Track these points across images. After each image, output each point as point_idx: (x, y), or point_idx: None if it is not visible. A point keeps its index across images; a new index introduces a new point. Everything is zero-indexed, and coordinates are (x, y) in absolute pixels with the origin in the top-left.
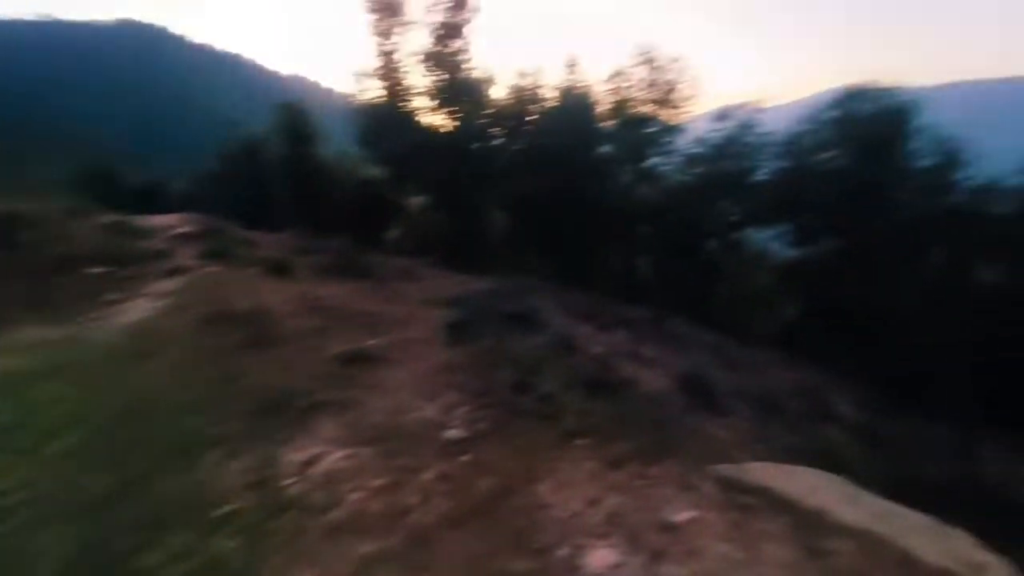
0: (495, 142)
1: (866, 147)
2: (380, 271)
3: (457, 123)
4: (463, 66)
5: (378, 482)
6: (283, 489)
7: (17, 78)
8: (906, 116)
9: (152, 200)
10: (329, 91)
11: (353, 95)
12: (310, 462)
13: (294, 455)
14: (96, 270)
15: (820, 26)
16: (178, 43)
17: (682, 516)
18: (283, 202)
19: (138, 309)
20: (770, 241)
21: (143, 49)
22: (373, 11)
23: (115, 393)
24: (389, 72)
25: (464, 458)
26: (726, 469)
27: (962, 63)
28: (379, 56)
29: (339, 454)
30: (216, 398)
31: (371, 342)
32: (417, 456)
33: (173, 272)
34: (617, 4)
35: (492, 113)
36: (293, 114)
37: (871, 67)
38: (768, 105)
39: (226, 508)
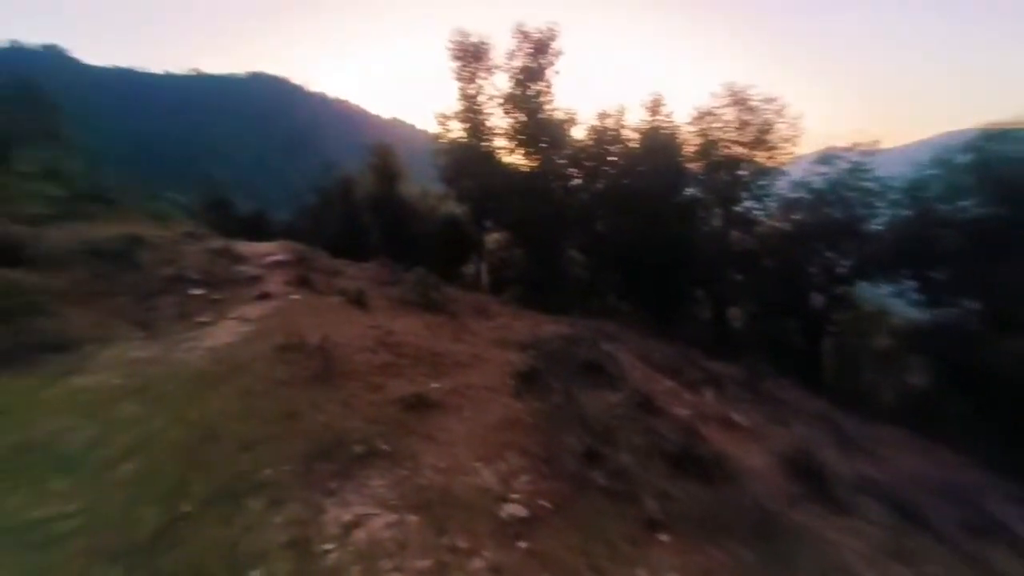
0: (574, 182)
1: (1010, 193)
2: (454, 306)
3: (536, 163)
4: (544, 107)
5: (422, 564)
6: (321, 555)
7: (166, 122)
8: None
9: (259, 228)
10: (422, 132)
11: (438, 136)
12: (353, 525)
13: (339, 513)
14: (196, 291)
15: (909, 72)
16: (296, 91)
17: None
18: (369, 234)
19: (225, 332)
20: (889, 298)
21: (271, 97)
22: (457, 58)
23: (185, 419)
24: (471, 114)
25: (521, 544)
26: None
27: None
28: (462, 99)
29: (385, 519)
30: (274, 435)
31: (434, 385)
32: (469, 534)
33: (262, 297)
34: (696, 44)
35: (571, 154)
36: (382, 154)
37: (983, 112)
38: (876, 149)
39: (259, 570)
